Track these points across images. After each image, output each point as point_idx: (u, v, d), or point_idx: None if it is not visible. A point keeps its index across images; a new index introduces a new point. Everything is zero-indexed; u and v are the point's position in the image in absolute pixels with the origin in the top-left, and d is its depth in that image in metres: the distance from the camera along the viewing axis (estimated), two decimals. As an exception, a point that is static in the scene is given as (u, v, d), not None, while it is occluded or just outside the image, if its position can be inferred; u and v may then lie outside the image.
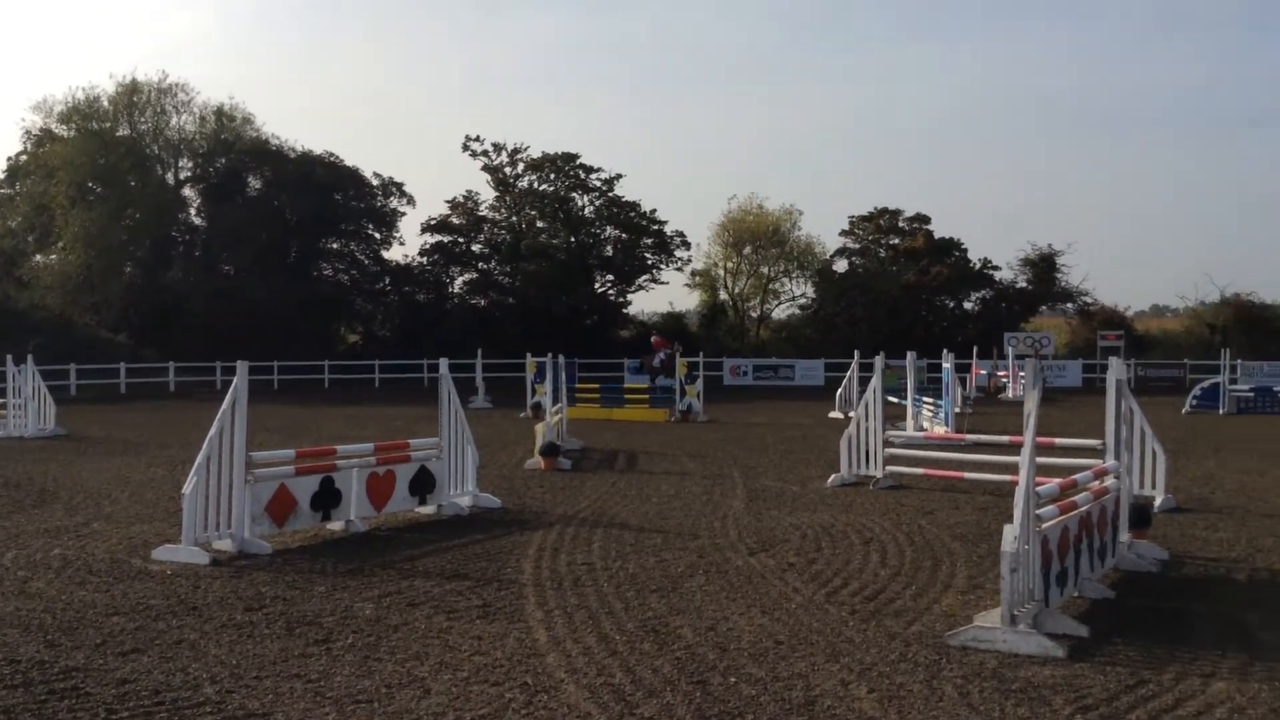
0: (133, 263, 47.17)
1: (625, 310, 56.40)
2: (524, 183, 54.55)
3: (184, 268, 48.20)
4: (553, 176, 54.27)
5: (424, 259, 53.82)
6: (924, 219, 54.36)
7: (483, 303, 53.79)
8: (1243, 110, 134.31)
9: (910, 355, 19.76)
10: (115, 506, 12.55)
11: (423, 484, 11.79)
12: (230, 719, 5.48)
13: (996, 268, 53.30)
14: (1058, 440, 12.73)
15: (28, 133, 49.28)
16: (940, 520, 11.44)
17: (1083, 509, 7.89)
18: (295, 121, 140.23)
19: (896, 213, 54.73)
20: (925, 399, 22.39)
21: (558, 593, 8.14)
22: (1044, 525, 7.03)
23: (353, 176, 51.41)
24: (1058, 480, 7.86)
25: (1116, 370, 9.19)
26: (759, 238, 55.05)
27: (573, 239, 54.19)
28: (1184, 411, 28.48)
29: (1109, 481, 8.79)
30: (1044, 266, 52.01)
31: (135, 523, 11.37)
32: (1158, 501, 11.81)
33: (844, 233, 55.56)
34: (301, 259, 50.76)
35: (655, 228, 54.67)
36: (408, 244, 69.48)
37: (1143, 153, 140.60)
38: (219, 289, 45.72)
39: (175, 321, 44.46)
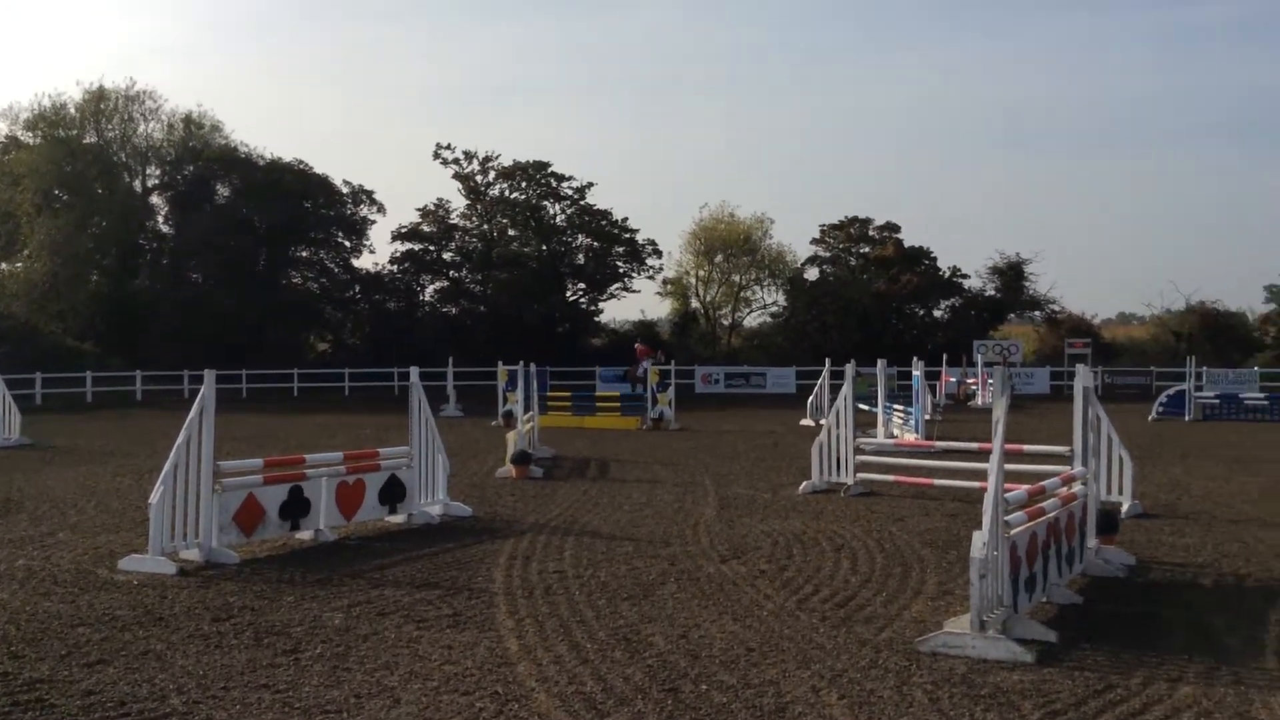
0: (99, 271, 46.74)
1: (597, 319, 56.53)
2: (495, 191, 54.52)
3: (151, 276, 47.74)
4: (524, 185, 54.24)
5: (394, 267, 53.67)
6: (894, 228, 54.86)
7: (454, 311, 53.66)
8: (1203, 119, 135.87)
9: (881, 363, 19.85)
10: (81, 516, 12.40)
11: (393, 493, 11.73)
12: (197, 730, 5.42)
13: (965, 276, 53.92)
14: (1026, 447, 12.90)
15: (-8, 140, 48.83)
16: (910, 527, 11.50)
17: (1051, 515, 7.95)
18: (264, 128, 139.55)
19: (867, 221, 55.16)
20: (896, 406, 22.51)
21: (529, 601, 8.12)
22: (1013, 531, 7.08)
23: (322, 184, 51.13)
24: (1026, 487, 7.91)
25: (1084, 378, 9.28)
26: (730, 246, 55.36)
27: (544, 247, 54.13)
28: (1150, 418, 28.80)
29: (1077, 488, 8.87)
30: (1012, 275, 52.59)
31: (101, 533, 11.24)
32: (1125, 507, 11.92)
33: (815, 241, 56.10)
34: (270, 267, 50.37)
35: (627, 236, 54.69)
36: (378, 252, 68.99)
37: (1108, 162, 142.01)
38: (187, 297, 45.35)
39: (142, 330, 44.08)
